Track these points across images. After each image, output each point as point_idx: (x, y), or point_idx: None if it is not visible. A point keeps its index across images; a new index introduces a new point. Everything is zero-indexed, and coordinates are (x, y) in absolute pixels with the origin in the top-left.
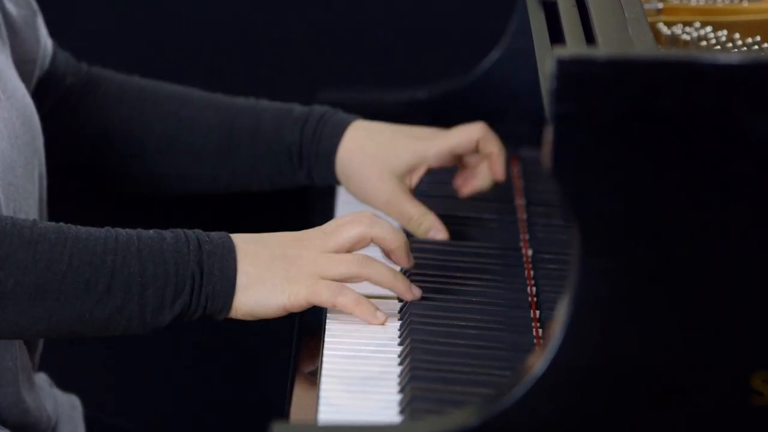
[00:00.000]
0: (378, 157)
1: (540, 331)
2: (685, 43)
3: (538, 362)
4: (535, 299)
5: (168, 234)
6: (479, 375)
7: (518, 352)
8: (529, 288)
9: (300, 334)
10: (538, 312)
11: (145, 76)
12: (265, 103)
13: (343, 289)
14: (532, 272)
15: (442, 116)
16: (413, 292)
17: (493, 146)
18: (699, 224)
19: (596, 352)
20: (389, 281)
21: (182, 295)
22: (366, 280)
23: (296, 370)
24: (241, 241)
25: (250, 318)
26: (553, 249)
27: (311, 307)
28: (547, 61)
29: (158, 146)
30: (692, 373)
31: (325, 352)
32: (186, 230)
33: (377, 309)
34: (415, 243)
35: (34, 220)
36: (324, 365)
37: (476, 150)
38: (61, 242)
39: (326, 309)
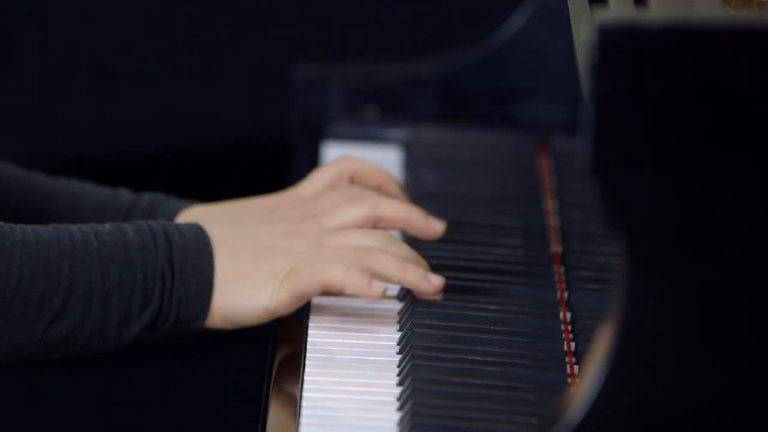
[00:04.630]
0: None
1: (575, 368)
2: (761, 4)
3: (572, 407)
4: (569, 327)
5: (129, 228)
6: (498, 423)
7: (548, 395)
8: (561, 314)
9: (271, 368)
10: (573, 344)
11: (108, 52)
12: (88, 187)
13: (329, 263)
14: (565, 294)
15: (452, 97)
16: (431, 282)
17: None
18: None
19: (647, 396)
20: (397, 273)
21: (152, 302)
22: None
23: (267, 417)
24: (218, 232)
25: (228, 325)
26: (592, 265)
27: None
28: (584, 27)
29: None
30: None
31: (305, 394)
32: (149, 222)
33: (371, 279)
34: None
35: None
36: (303, 410)
37: None
38: (7, 249)
39: (306, 341)
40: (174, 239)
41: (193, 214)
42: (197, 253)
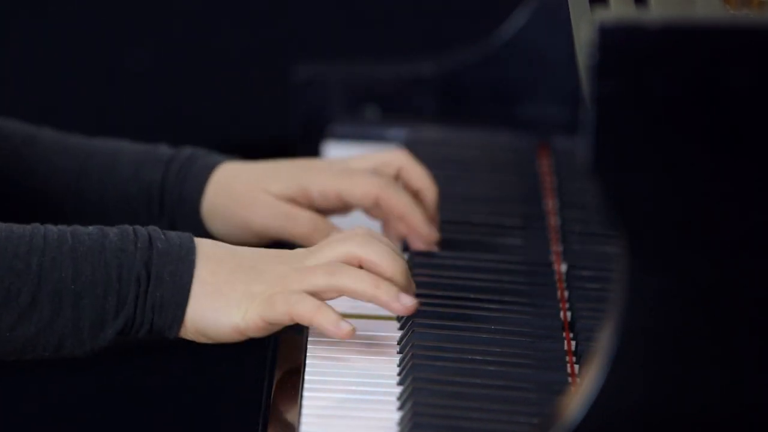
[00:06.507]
0: (252, 183)
1: (576, 367)
2: (761, 4)
3: (572, 407)
4: (569, 327)
5: (113, 230)
6: (499, 423)
7: (548, 394)
8: (562, 313)
9: (272, 367)
10: (573, 343)
11: (108, 52)
12: (126, 144)
13: (302, 297)
14: (566, 293)
15: (453, 96)
16: (402, 302)
17: (401, 205)
18: None
19: (647, 396)
20: (369, 291)
21: (126, 305)
22: (341, 293)
23: (268, 416)
24: (207, 245)
25: (203, 339)
26: (592, 264)
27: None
28: (584, 27)
29: None
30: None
31: (305, 393)
32: (139, 226)
33: (342, 318)
34: (417, 257)
35: None
36: (304, 410)
37: (378, 206)
38: None
39: (306, 341)
40: (157, 243)
41: (225, 169)
42: (178, 260)
